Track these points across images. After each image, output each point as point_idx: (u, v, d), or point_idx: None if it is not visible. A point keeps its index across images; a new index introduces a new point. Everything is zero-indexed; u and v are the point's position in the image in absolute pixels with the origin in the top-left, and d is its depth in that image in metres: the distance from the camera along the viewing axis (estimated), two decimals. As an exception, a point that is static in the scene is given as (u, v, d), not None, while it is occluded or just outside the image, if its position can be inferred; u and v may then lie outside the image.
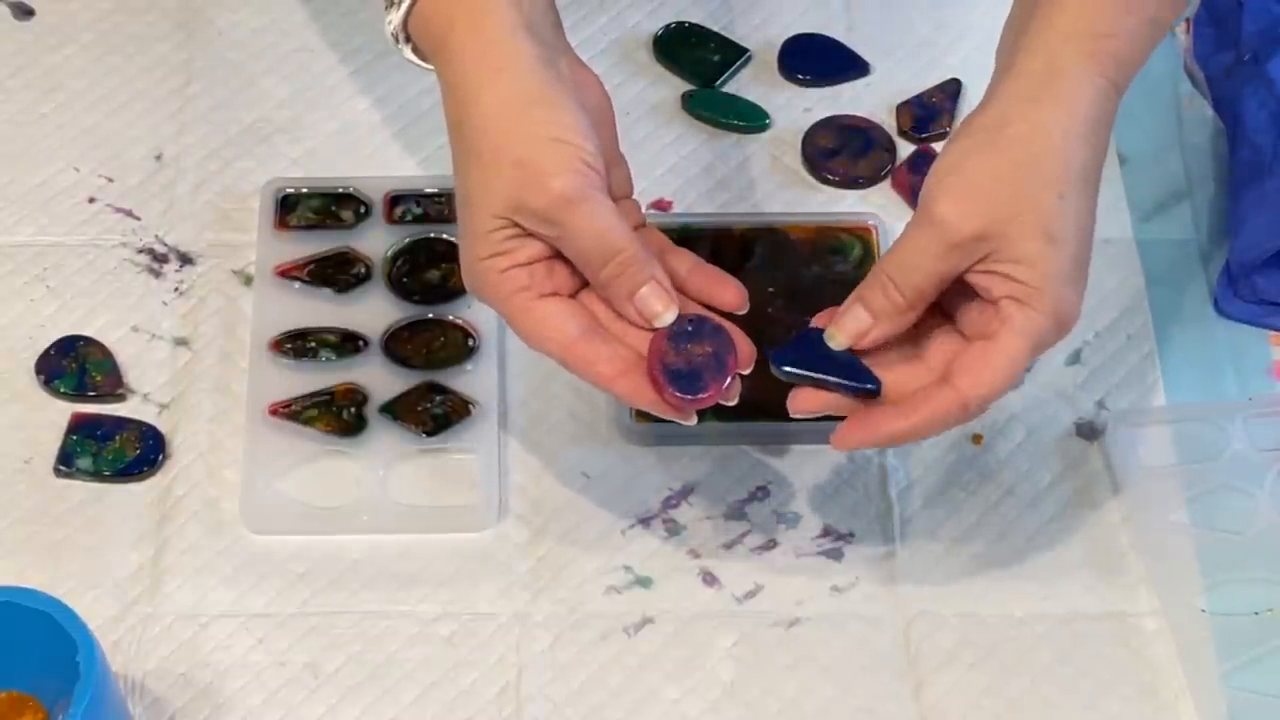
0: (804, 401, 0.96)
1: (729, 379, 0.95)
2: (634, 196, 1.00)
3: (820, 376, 0.95)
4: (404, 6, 0.97)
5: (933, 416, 0.94)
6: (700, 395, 0.94)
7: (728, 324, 0.97)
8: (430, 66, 0.98)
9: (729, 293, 0.98)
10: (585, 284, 0.96)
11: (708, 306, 0.98)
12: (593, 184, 0.93)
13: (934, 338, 0.96)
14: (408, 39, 0.99)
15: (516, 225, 0.94)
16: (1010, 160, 0.92)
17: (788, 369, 0.96)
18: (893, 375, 0.95)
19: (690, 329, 0.95)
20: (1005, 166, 0.92)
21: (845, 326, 0.95)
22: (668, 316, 0.95)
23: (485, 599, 1.03)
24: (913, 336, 0.96)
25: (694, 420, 0.96)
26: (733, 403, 0.96)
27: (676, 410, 0.95)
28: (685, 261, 0.98)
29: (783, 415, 1.08)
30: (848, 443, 0.95)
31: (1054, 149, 0.92)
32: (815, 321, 0.97)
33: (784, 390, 1.08)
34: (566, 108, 0.94)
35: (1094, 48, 0.94)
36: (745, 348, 0.96)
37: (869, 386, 0.94)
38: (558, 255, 0.95)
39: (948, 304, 0.96)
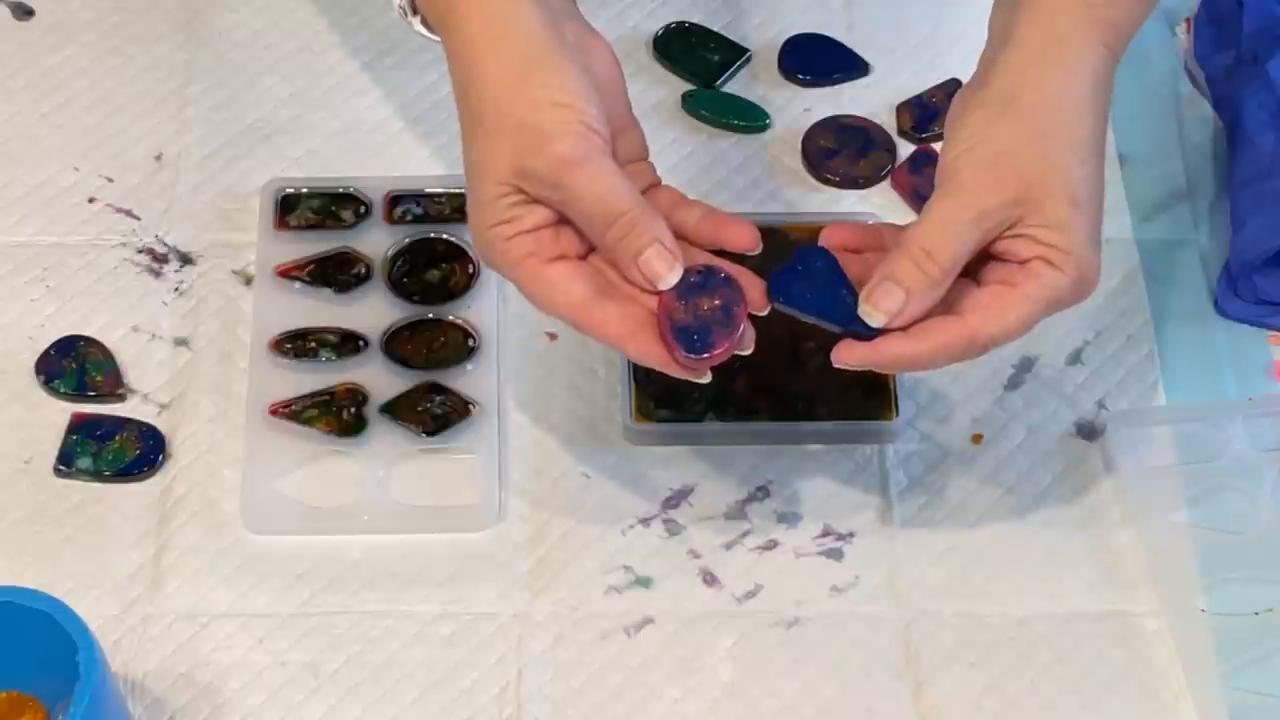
0: (848, 353, 0.95)
1: (740, 330, 0.94)
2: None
3: (816, 318, 0.95)
4: None
5: (938, 345, 0.94)
6: (712, 353, 0.93)
7: (736, 269, 0.96)
8: (437, 37, 0.98)
9: (741, 234, 0.97)
10: (593, 248, 0.96)
11: (721, 253, 0.97)
12: (594, 146, 0.93)
13: (955, 289, 0.95)
14: (415, 10, 0.99)
15: (521, 191, 0.94)
16: (1031, 128, 0.94)
17: (782, 305, 0.95)
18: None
19: (697, 280, 0.94)
20: (1027, 134, 0.93)
21: (881, 305, 0.94)
22: (671, 278, 0.94)
23: (485, 599, 1.03)
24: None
25: (708, 378, 0.95)
26: (748, 351, 0.95)
27: (689, 371, 0.94)
28: (695, 211, 0.98)
29: (783, 415, 1.08)
30: (850, 358, 0.95)
31: (1070, 116, 0.94)
32: (822, 238, 0.97)
33: (784, 390, 1.08)
34: (567, 71, 0.94)
35: (1092, 15, 0.95)
36: (755, 292, 0.96)
37: (865, 328, 0.94)
38: (564, 220, 0.95)
39: (971, 268, 0.96)
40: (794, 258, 0.96)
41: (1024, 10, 0.96)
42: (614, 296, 0.95)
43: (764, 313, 0.96)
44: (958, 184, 0.94)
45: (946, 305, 0.94)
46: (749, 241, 0.97)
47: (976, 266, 0.95)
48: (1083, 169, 0.94)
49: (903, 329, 0.94)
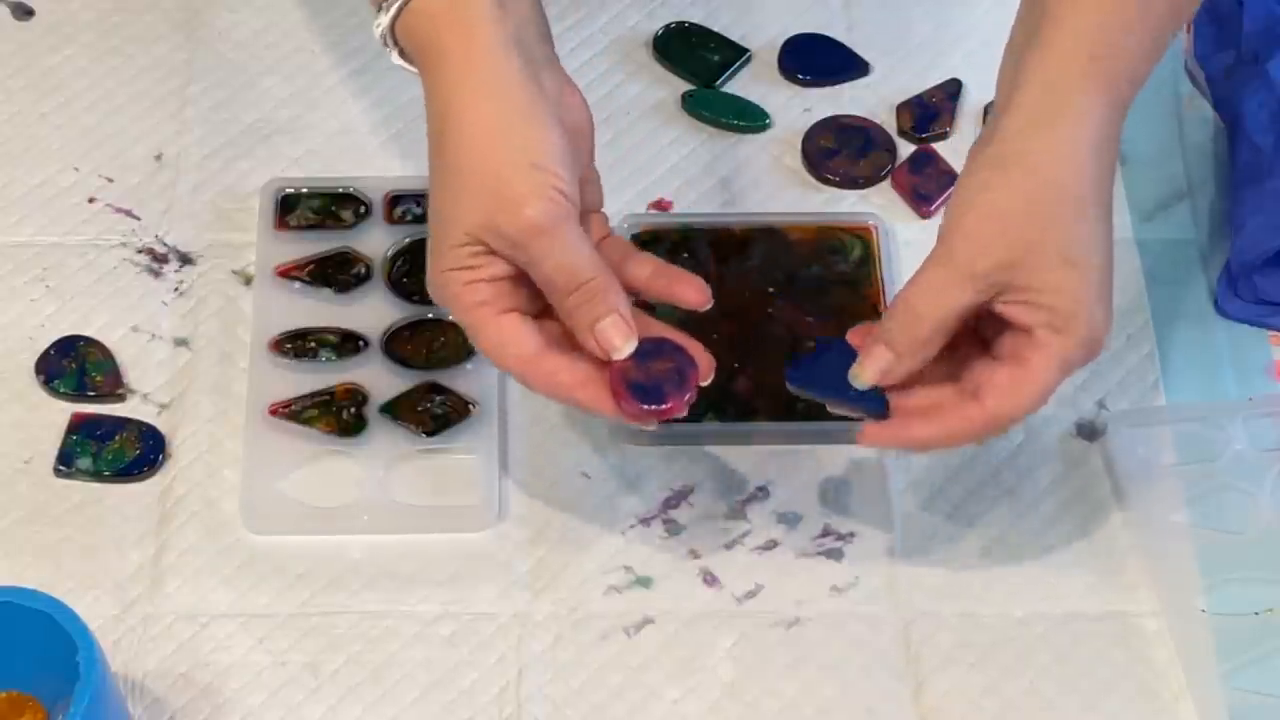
0: (874, 435, 0.96)
1: (691, 392, 0.96)
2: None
3: (831, 399, 0.96)
4: (393, 10, 0.97)
5: (957, 428, 0.94)
6: (663, 405, 0.95)
7: (688, 341, 0.97)
8: (415, 70, 0.98)
9: (691, 291, 0.98)
10: (546, 306, 0.96)
11: (674, 308, 0.98)
12: (565, 213, 0.94)
13: (972, 366, 0.96)
14: (395, 43, 0.99)
15: (484, 244, 0.94)
16: (1024, 189, 0.93)
17: (796, 388, 0.97)
18: (928, 394, 0.96)
19: (650, 348, 0.96)
20: (1019, 196, 0.93)
21: (870, 365, 0.95)
22: (626, 349, 0.95)
23: (485, 599, 1.03)
24: (951, 363, 0.96)
25: (654, 426, 0.96)
26: (684, 414, 0.97)
27: (637, 419, 0.96)
28: (647, 267, 0.99)
29: (783, 415, 1.08)
30: (876, 439, 0.96)
31: (1065, 174, 0.93)
32: (850, 337, 0.98)
33: (782, 390, 1.08)
34: (547, 130, 0.95)
35: (1093, 69, 0.94)
36: (705, 362, 0.97)
37: (877, 409, 0.95)
38: (521, 276, 0.95)
39: (984, 333, 0.96)
40: (815, 347, 0.98)
41: (1026, 68, 0.95)
42: (562, 349, 0.96)
43: (708, 383, 0.97)
44: (950, 246, 0.94)
45: (966, 384, 0.95)
46: (700, 298, 0.97)
47: (992, 334, 0.95)
48: (1081, 226, 0.93)
49: (920, 411, 0.95)
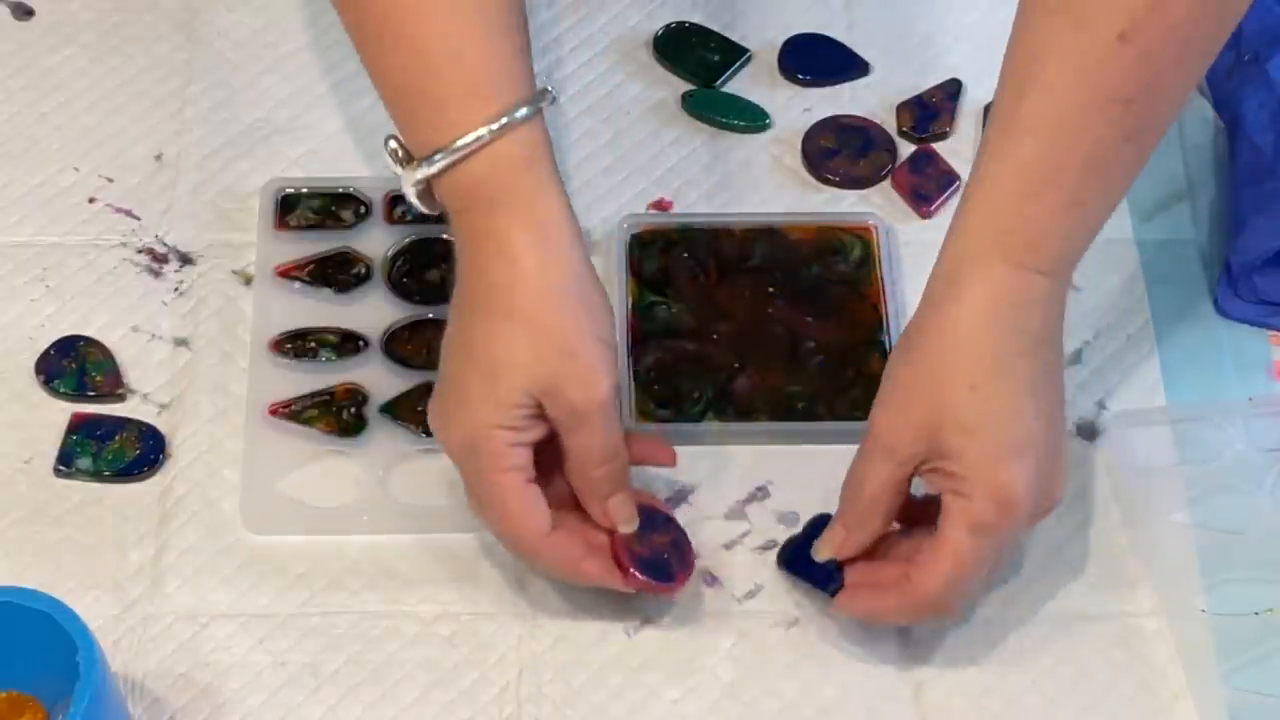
0: (845, 603, 0.99)
1: (690, 568, 1.00)
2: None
3: (799, 577, 1.02)
4: (436, 166, 0.95)
5: (899, 605, 0.97)
6: (670, 584, 0.99)
7: (672, 516, 1.02)
8: (428, 210, 0.99)
9: (664, 455, 1.01)
10: (542, 473, 0.97)
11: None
12: (617, 390, 0.96)
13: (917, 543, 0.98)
14: (409, 158, 0.97)
15: (540, 406, 0.95)
16: (920, 365, 0.96)
17: (784, 570, 1.03)
18: (883, 570, 0.99)
19: (645, 518, 0.99)
20: (916, 372, 0.96)
21: (825, 541, 0.99)
22: (630, 526, 0.98)
23: (485, 599, 1.03)
24: (909, 542, 0.99)
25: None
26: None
27: (646, 590, 0.99)
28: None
29: (783, 415, 1.08)
30: (845, 608, 1.00)
31: (956, 345, 0.95)
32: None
33: (782, 390, 1.08)
34: (607, 309, 0.97)
35: (998, 240, 0.95)
36: (689, 551, 1.01)
37: (830, 589, 0.99)
38: (544, 443, 0.96)
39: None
40: (806, 527, 1.03)
41: (944, 245, 0.97)
42: (567, 525, 0.98)
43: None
44: (874, 423, 0.97)
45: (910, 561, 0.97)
46: (671, 459, 1.01)
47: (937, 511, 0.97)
48: (975, 394, 0.94)
49: (868, 586, 0.99)
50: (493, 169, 0.95)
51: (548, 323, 0.94)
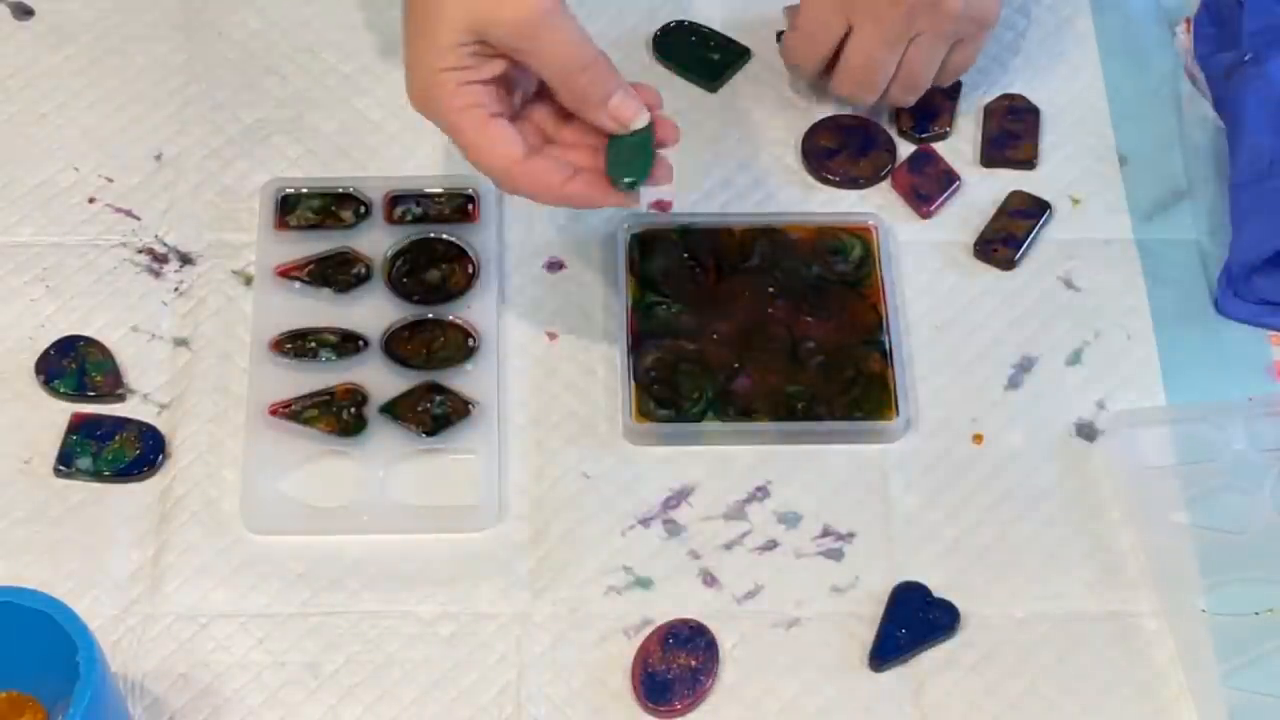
0: None
1: (696, 699, 0.99)
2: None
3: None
4: None
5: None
6: (663, 706, 0.99)
7: (712, 639, 1.01)
8: None
9: (648, 94, 1.02)
10: (523, 108, 0.99)
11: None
12: (562, 1, 0.96)
13: None
14: None
15: (481, 42, 0.96)
16: None
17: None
18: None
19: (685, 635, 1.00)
20: None
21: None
22: (640, 120, 0.99)
23: (485, 599, 1.03)
24: None
25: None
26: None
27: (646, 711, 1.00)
28: None
29: (783, 415, 1.08)
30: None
31: None
32: None
33: (784, 390, 1.08)
34: None
35: None
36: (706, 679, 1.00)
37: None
38: (507, 79, 0.97)
39: None
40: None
41: None
42: (547, 151, 0.99)
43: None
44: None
45: None
46: (653, 100, 1.02)
47: None
48: None
49: None
50: None
51: None
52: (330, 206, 1.16)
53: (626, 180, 1.01)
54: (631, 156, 1.01)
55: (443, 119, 0.99)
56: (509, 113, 1.00)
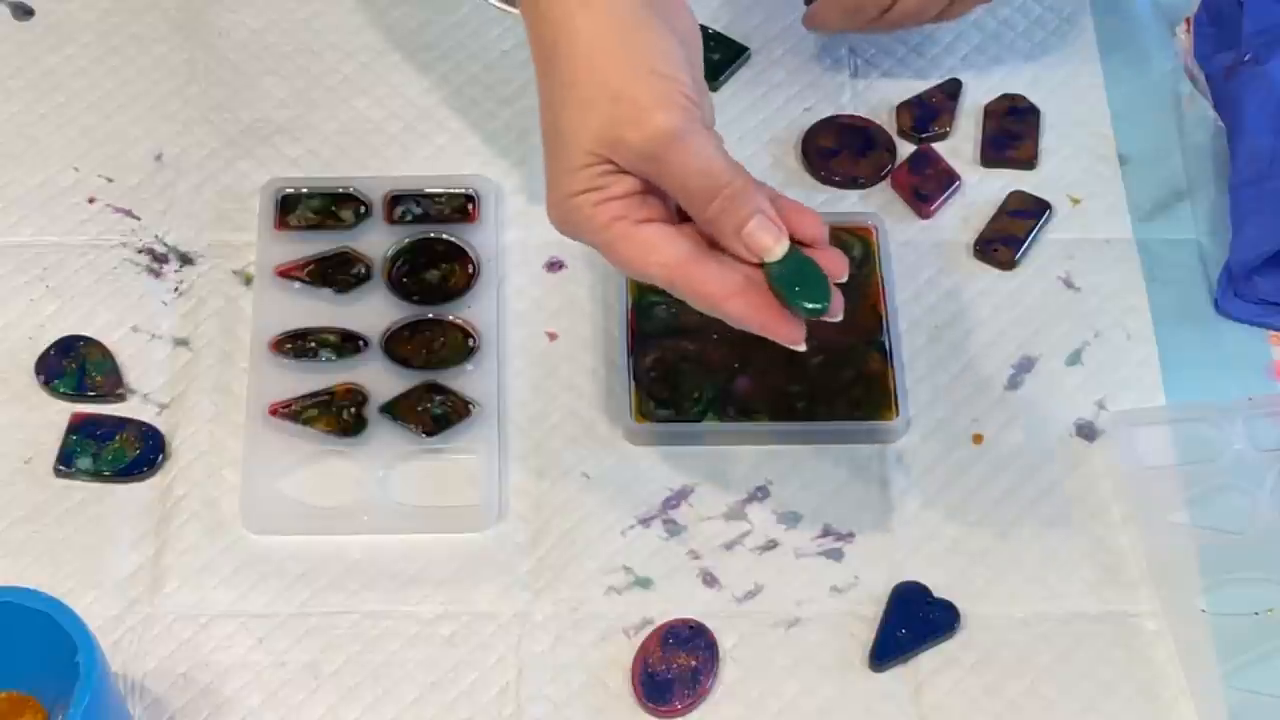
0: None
1: (697, 699, 0.99)
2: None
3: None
4: None
5: None
6: (663, 706, 0.98)
7: (713, 640, 1.01)
8: (515, 9, 0.96)
9: (811, 224, 0.94)
10: (683, 216, 0.94)
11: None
12: (693, 118, 0.92)
13: None
14: None
15: (610, 162, 0.92)
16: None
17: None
18: None
19: (685, 635, 1.00)
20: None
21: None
22: (779, 250, 0.92)
23: (485, 599, 1.03)
24: None
25: None
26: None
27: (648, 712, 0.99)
28: (764, 192, 0.95)
29: (783, 415, 1.08)
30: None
31: None
32: None
33: (784, 390, 1.08)
34: (664, 35, 0.93)
35: None
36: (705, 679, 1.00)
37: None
38: (651, 189, 0.93)
39: None
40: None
41: None
42: (712, 256, 0.93)
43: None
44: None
45: None
46: (818, 233, 0.94)
47: None
48: None
49: None
50: None
51: (591, 74, 0.92)
52: (330, 206, 1.16)
53: (808, 306, 0.92)
54: (801, 280, 0.93)
55: (585, 240, 0.94)
56: (664, 216, 0.93)
